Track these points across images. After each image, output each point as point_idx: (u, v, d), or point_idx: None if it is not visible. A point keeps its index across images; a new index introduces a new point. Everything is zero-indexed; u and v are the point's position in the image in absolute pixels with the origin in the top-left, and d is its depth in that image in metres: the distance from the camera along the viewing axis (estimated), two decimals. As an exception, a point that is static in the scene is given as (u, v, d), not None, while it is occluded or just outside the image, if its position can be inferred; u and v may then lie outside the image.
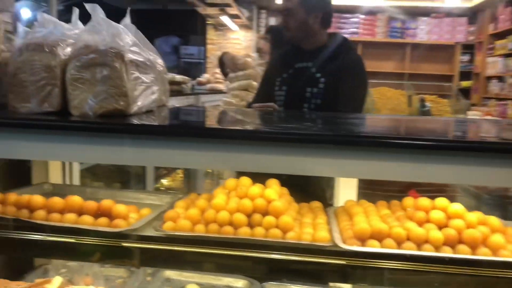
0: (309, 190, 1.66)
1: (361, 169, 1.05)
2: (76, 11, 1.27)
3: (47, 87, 1.07)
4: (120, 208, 1.24)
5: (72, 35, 1.15)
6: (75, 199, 1.26)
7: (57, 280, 1.36)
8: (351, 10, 8.11)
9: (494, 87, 7.19)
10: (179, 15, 9.56)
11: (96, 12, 1.08)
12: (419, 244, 1.13)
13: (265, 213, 1.23)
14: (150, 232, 1.20)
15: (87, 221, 1.22)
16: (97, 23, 1.08)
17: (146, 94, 1.21)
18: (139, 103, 1.16)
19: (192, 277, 1.65)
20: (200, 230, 1.21)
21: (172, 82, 3.29)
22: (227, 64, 3.41)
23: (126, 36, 1.13)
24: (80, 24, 1.27)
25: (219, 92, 5.52)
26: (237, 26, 7.78)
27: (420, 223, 1.19)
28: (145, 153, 0.97)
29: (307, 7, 1.99)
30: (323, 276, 1.16)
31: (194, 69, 10.23)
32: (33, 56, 1.07)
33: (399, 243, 1.14)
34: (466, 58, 8.09)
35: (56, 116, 1.04)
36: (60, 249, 1.20)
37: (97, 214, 1.25)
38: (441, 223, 1.17)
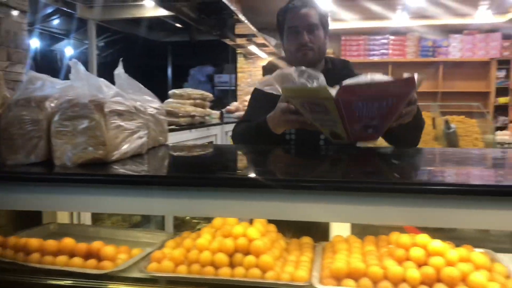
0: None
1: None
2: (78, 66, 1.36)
3: (34, 139, 1.15)
4: (108, 249, 1.30)
5: (60, 89, 1.24)
6: (67, 242, 1.33)
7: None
8: (379, 31, 8.09)
9: (533, 103, 6.90)
10: (212, 46, 9.85)
11: (77, 66, 1.17)
12: (395, 283, 1.12)
13: (247, 253, 1.26)
14: (134, 274, 1.25)
15: (76, 263, 1.28)
16: (78, 78, 1.16)
17: (130, 140, 1.28)
18: (122, 150, 1.23)
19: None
20: (182, 271, 1.25)
21: (188, 116, 3.39)
22: None
23: (107, 88, 1.21)
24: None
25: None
26: (265, 54, 7.91)
27: (400, 261, 1.18)
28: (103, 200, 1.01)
29: (324, 26, 1.84)
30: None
31: (228, 96, 10.45)
32: (21, 111, 1.16)
33: (375, 282, 1.13)
34: (502, 74, 7.84)
35: (42, 167, 1.12)
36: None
37: (87, 256, 1.31)
38: (421, 261, 1.16)
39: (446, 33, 7.97)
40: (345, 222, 1.48)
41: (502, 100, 7.73)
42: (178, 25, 8.62)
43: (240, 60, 8.66)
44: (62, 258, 1.29)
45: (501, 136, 4.03)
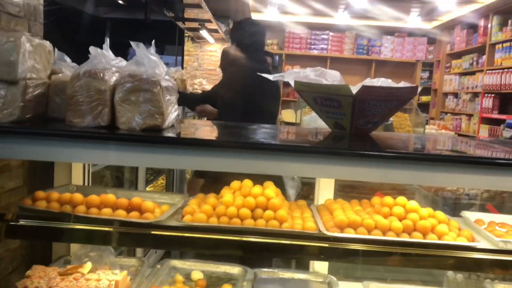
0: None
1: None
2: (107, 42, 1.57)
3: (99, 107, 1.36)
4: (148, 204, 1.53)
5: (115, 64, 1.45)
6: (110, 197, 1.54)
7: (89, 265, 1.63)
8: (321, 27, 8.60)
9: (450, 103, 7.78)
10: (156, 25, 9.79)
11: (140, 48, 1.38)
12: (384, 232, 1.47)
13: (265, 208, 1.55)
14: (174, 223, 1.50)
15: (121, 215, 1.50)
16: (140, 57, 1.38)
17: (172, 112, 1.51)
18: (169, 120, 1.46)
19: (195, 265, 1.94)
20: (213, 222, 1.52)
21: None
22: None
23: (161, 67, 1.43)
24: (110, 52, 1.56)
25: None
26: (213, 40, 8.09)
27: (385, 216, 1.54)
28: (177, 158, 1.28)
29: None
30: (310, 256, 1.49)
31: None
32: (88, 82, 1.35)
33: (369, 231, 1.48)
34: (425, 75, 8.71)
35: (110, 130, 1.33)
36: (98, 237, 1.47)
37: (128, 209, 1.53)
38: (401, 216, 1.53)
39: (380, 34, 8.66)
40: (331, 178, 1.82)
41: (425, 98, 8.61)
42: (120, 1, 8.50)
43: (187, 43, 8.75)
44: (107, 210, 1.50)
45: (429, 129, 4.63)
